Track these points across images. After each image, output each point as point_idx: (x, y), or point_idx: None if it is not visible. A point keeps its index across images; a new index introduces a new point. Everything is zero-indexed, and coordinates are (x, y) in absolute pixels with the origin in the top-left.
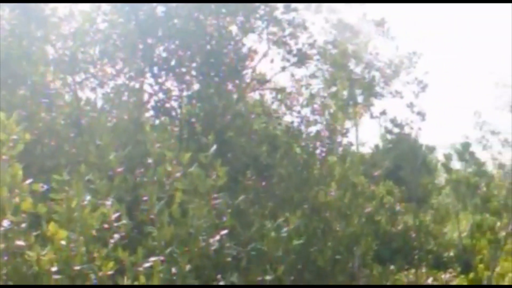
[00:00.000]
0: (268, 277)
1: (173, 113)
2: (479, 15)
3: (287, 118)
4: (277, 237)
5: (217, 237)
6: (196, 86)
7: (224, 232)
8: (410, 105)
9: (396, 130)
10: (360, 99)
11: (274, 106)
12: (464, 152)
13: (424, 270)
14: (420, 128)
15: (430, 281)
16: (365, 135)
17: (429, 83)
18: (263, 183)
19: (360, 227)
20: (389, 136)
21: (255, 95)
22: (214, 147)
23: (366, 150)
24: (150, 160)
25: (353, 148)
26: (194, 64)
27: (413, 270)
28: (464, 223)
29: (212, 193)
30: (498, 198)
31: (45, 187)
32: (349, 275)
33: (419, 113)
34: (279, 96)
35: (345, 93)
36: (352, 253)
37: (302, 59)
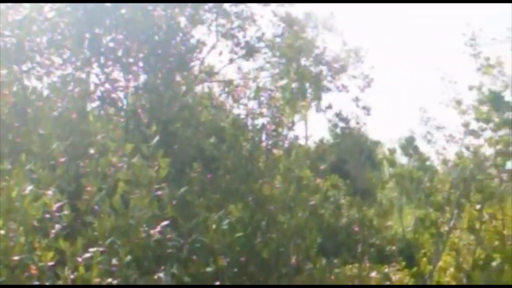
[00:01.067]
0: (209, 269)
1: (119, 104)
2: (427, 12)
3: (235, 111)
4: (218, 229)
5: (158, 228)
6: (143, 77)
7: (165, 223)
8: (356, 100)
9: (342, 124)
10: (308, 93)
11: (222, 99)
12: (408, 146)
13: (367, 263)
14: (365, 122)
15: (373, 274)
16: (315, 128)
17: (376, 78)
18: (209, 175)
19: (304, 220)
20: (336, 130)
21: (203, 87)
22: (157, 138)
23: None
24: (93, 151)
25: (302, 141)
26: (141, 55)
27: (357, 264)
28: (409, 217)
29: (154, 184)
30: (442, 193)
31: None
32: (293, 267)
33: (364, 108)
34: (226, 89)
35: (293, 86)
36: (296, 245)
37: (250, 52)
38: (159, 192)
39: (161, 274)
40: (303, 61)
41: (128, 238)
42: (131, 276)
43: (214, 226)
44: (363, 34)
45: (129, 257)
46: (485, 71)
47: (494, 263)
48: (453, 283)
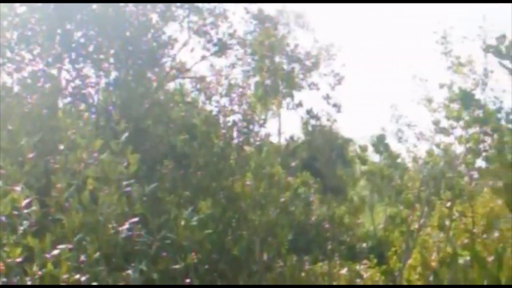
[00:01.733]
0: (178, 266)
1: (91, 100)
2: (399, 10)
3: (206, 108)
4: (188, 226)
5: (127, 225)
6: (114, 74)
7: (134, 220)
8: (327, 97)
9: (312, 121)
10: (280, 90)
11: (194, 95)
12: (379, 144)
13: (338, 261)
14: (336, 120)
15: (344, 271)
16: (289, 126)
17: (348, 76)
18: (181, 172)
19: (275, 217)
20: (307, 128)
21: (175, 84)
22: (126, 134)
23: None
24: (62, 147)
25: (275, 139)
26: (112, 51)
27: (327, 261)
28: (381, 215)
29: (123, 180)
30: (412, 191)
31: None
32: (263, 265)
33: (335, 105)
34: (198, 86)
35: (267, 82)
36: (267, 243)
37: (222, 48)
38: (129, 189)
39: (130, 271)
40: (275, 59)
41: (96, 234)
42: (100, 272)
43: (183, 223)
44: (335, 32)
45: (97, 254)
46: (456, 70)
47: (461, 261)
48: (421, 280)
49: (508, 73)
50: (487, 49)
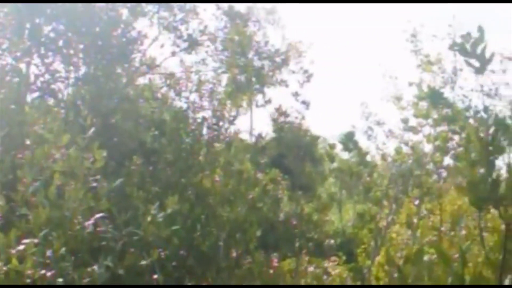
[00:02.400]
0: (144, 262)
1: (59, 95)
2: (370, 8)
3: (176, 104)
4: (154, 222)
5: (93, 220)
6: (83, 69)
7: (100, 215)
8: (295, 94)
9: (281, 119)
10: (250, 87)
11: (163, 91)
12: (348, 141)
13: (307, 257)
14: (304, 117)
15: (312, 268)
16: (260, 122)
17: (319, 74)
18: (149, 168)
19: (244, 214)
20: (276, 125)
21: (145, 80)
22: (93, 129)
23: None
24: (29, 142)
25: (247, 135)
26: (82, 46)
27: (297, 258)
28: (350, 212)
29: (90, 176)
30: (381, 188)
31: None
32: (232, 261)
33: (303, 102)
34: (168, 81)
35: (238, 79)
36: (236, 239)
37: (192, 45)
38: (95, 184)
39: (96, 267)
40: (245, 55)
41: (63, 230)
42: (66, 268)
43: (149, 219)
44: (305, 29)
45: (63, 249)
46: (425, 68)
47: (426, 258)
48: (386, 277)
49: (474, 72)
50: (452, 47)
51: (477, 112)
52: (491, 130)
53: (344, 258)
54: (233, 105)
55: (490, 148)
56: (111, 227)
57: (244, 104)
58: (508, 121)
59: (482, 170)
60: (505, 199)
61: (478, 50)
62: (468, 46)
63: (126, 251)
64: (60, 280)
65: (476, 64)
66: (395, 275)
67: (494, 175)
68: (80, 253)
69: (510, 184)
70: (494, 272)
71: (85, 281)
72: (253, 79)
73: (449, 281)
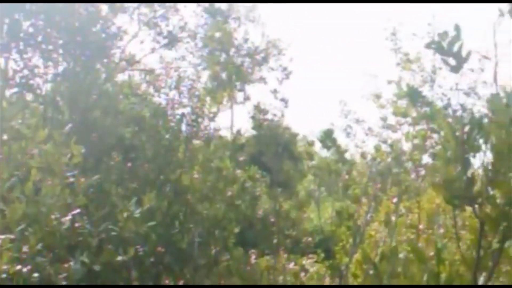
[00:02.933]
0: (120, 258)
1: (38, 91)
2: (350, 7)
3: (155, 100)
4: (130, 218)
5: (69, 216)
6: (63, 64)
7: (77, 211)
8: (274, 91)
9: (260, 116)
10: (231, 84)
11: (143, 88)
12: (327, 139)
13: (285, 255)
14: (283, 114)
15: (290, 266)
16: (241, 120)
17: (300, 72)
18: (128, 164)
19: (222, 211)
20: (255, 122)
21: (124, 76)
22: (70, 125)
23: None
24: (6, 137)
25: (227, 132)
26: (61, 42)
27: (275, 256)
28: (329, 210)
29: (66, 171)
30: (359, 186)
31: None
32: (210, 258)
33: (282, 100)
34: (148, 78)
35: (218, 76)
36: (214, 236)
37: (172, 41)
38: (72, 180)
39: (72, 263)
40: (226, 52)
41: (39, 225)
42: (42, 263)
43: (125, 215)
44: (286, 26)
45: (40, 245)
46: (405, 66)
47: (401, 255)
48: (361, 274)
49: (450, 70)
50: (429, 45)
51: (455, 111)
52: (467, 128)
53: (322, 255)
54: (213, 102)
55: (466, 146)
56: (88, 223)
57: (225, 101)
58: (485, 119)
59: (457, 168)
60: (480, 197)
61: (455, 49)
62: (444, 45)
63: (103, 247)
64: (36, 275)
65: (453, 62)
66: (371, 272)
67: (469, 173)
68: (56, 249)
69: (485, 183)
70: (469, 270)
71: (61, 277)
72: (233, 76)
73: (424, 278)
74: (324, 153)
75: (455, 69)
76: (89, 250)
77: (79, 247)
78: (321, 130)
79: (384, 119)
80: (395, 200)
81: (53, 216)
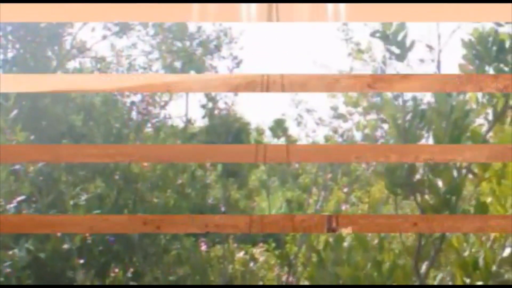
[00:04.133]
0: (66, 246)
1: None
2: None
3: None
4: (77, 205)
5: (14, 203)
6: (12, 51)
7: (21, 198)
8: None
9: (210, 104)
10: (182, 71)
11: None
12: (277, 128)
13: (235, 244)
14: (234, 103)
15: (241, 255)
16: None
17: (249, 60)
18: None
19: (173, 199)
20: (206, 111)
21: (75, 63)
22: (15, 111)
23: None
24: None
25: (180, 121)
26: (10, 28)
27: (225, 245)
28: (281, 199)
29: None
30: (310, 175)
31: None
32: (160, 247)
33: None
34: (99, 65)
35: (174, 64)
36: None
37: (123, 29)
38: (17, 167)
39: (16, 250)
40: (180, 40)
41: None
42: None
43: (72, 202)
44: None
45: None
46: (356, 56)
47: (345, 244)
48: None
49: (395, 59)
50: (374, 34)
51: (405, 101)
52: (408, 117)
53: (273, 245)
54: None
55: (407, 135)
56: (34, 210)
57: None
58: (426, 108)
59: None
60: (422, 185)
61: (399, 38)
62: (389, 34)
63: (49, 234)
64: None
65: (397, 51)
66: (314, 259)
67: None
68: (0, 236)
69: (426, 171)
70: (411, 259)
71: (6, 264)
72: (185, 64)
73: (368, 266)
74: (275, 142)
75: (399, 58)
76: (35, 237)
77: (25, 234)
78: (272, 119)
79: (335, 108)
80: (345, 189)
81: None
